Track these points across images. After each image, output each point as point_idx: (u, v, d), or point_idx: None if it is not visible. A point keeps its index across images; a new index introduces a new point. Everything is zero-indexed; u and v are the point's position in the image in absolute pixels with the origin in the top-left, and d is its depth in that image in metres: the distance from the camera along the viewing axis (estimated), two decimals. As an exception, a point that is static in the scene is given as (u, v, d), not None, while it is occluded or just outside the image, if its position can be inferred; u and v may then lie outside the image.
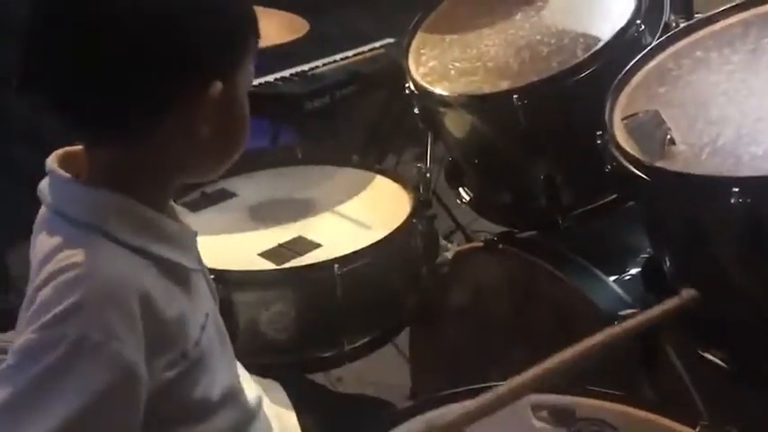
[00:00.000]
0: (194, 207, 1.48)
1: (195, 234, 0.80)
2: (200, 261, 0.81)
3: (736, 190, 0.86)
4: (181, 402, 0.74)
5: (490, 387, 0.91)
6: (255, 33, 0.75)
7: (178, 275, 0.74)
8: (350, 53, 2.16)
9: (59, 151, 0.75)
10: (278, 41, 1.91)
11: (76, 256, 0.66)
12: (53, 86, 0.68)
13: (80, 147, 0.75)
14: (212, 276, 1.16)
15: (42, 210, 0.75)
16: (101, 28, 0.65)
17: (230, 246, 1.38)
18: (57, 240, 0.69)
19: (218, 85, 0.69)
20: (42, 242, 0.70)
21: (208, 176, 0.79)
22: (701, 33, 1.17)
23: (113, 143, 0.71)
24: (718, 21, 1.18)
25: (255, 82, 1.98)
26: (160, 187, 0.75)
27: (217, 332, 0.81)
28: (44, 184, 0.74)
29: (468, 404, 0.68)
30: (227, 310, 1.22)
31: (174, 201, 0.80)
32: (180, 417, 0.75)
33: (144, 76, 0.66)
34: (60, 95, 0.68)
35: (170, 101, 0.68)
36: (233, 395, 0.84)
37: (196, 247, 0.80)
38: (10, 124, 1.97)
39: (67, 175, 0.72)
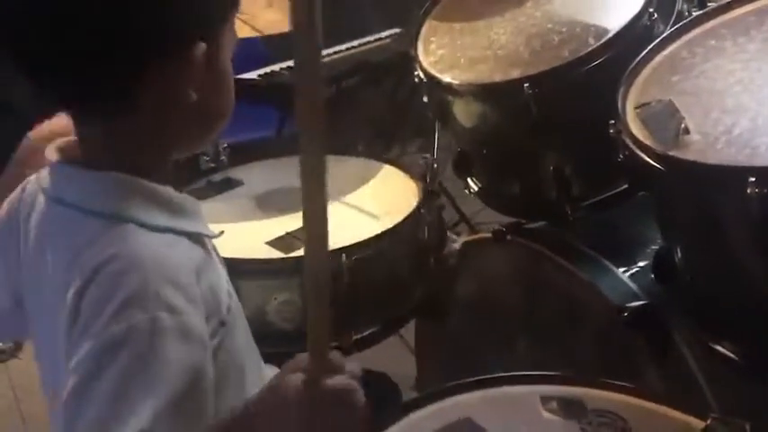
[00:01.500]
0: (200, 196, 1.47)
1: (197, 201, 0.79)
2: (207, 226, 0.81)
3: (753, 180, 0.85)
4: (226, 369, 0.73)
5: (496, 378, 0.92)
6: (230, 8, 0.73)
7: (203, 243, 0.74)
8: (356, 43, 2.15)
9: (53, 144, 0.74)
10: (284, 30, 1.90)
11: (111, 247, 0.65)
12: (30, 51, 0.66)
13: (71, 138, 0.74)
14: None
15: (38, 199, 0.73)
16: None
17: (237, 234, 1.37)
18: (81, 239, 0.67)
19: (201, 47, 0.68)
20: (63, 244, 0.69)
21: (202, 143, 0.79)
22: (714, 22, 1.16)
23: (102, 114, 0.70)
24: (732, 9, 1.16)
25: (261, 71, 1.98)
26: (160, 160, 0.74)
27: (236, 300, 0.81)
28: (44, 175, 0.73)
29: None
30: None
31: (180, 190, 0.79)
32: (225, 385, 0.73)
33: (122, 36, 0.65)
34: (37, 59, 0.66)
35: (151, 61, 0.66)
36: (258, 366, 0.84)
37: (201, 213, 0.79)
38: (16, 118, 1.97)
39: (77, 167, 0.71)
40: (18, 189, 0.79)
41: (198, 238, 0.73)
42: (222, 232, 0.79)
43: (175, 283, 0.64)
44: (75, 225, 0.69)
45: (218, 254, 0.83)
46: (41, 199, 0.74)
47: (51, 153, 0.73)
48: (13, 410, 1.98)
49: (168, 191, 0.73)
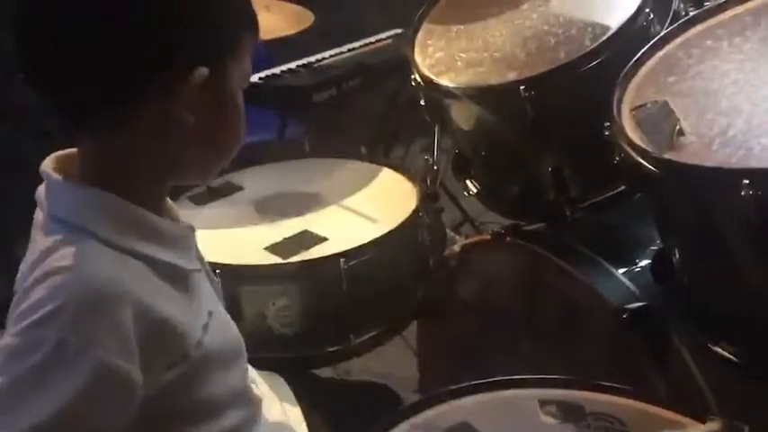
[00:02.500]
0: (200, 200, 1.48)
1: (193, 232, 0.79)
2: (201, 260, 0.80)
3: (747, 182, 0.85)
4: (186, 401, 0.73)
5: (494, 382, 0.92)
6: (251, 29, 0.73)
7: (175, 276, 0.73)
8: (357, 44, 2.15)
9: (54, 155, 0.75)
10: (284, 33, 1.91)
11: (65, 259, 0.66)
12: (30, 64, 0.67)
13: (75, 150, 0.74)
14: (218, 270, 1.17)
15: (38, 213, 0.74)
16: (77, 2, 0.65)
17: (236, 239, 1.37)
18: (48, 242, 0.68)
19: (202, 71, 0.68)
20: (36, 244, 0.70)
21: (203, 175, 0.78)
22: (711, 22, 1.15)
23: (97, 129, 0.70)
24: (728, 9, 1.16)
25: (262, 74, 1.98)
26: (153, 185, 0.74)
27: (225, 331, 0.80)
28: (41, 189, 0.74)
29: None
30: (232, 304, 1.22)
31: (180, 195, 0.79)
32: (186, 416, 0.74)
33: (120, 54, 0.65)
34: (36, 73, 0.67)
35: (147, 81, 0.67)
36: (242, 394, 0.83)
37: (194, 246, 0.79)
38: (22, 121, 1.98)
39: (58, 176, 0.72)
40: None
41: (170, 270, 0.72)
42: (200, 269, 0.79)
43: (104, 313, 0.64)
44: (47, 231, 0.70)
45: (214, 285, 0.83)
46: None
47: (47, 162, 0.74)
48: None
49: (152, 217, 0.73)
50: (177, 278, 0.73)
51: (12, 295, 0.70)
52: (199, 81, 0.68)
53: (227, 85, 0.72)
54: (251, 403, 0.85)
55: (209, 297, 0.80)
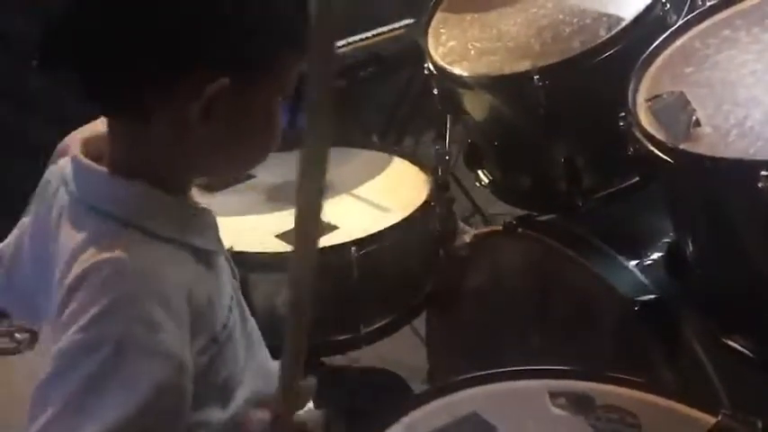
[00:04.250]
0: (211, 188, 1.48)
1: (214, 215, 0.79)
2: (220, 241, 0.81)
3: (765, 173, 0.84)
4: (211, 385, 0.73)
5: (504, 372, 0.91)
6: (293, 47, 0.70)
7: (206, 260, 0.74)
8: (369, 34, 2.14)
9: (81, 137, 0.74)
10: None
11: (108, 251, 0.65)
12: (74, 47, 0.67)
13: (100, 132, 0.74)
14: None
15: (59, 192, 0.74)
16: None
17: (247, 227, 1.37)
18: (84, 235, 0.68)
19: (221, 82, 0.66)
20: (69, 236, 0.69)
21: (229, 174, 0.78)
22: (728, 12, 1.14)
23: (119, 117, 0.70)
24: (747, -1, 1.14)
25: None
26: (182, 176, 0.74)
27: (239, 312, 0.81)
28: (67, 170, 0.73)
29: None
30: (243, 292, 1.22)
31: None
32: (208, 398, 0.73)
33: (142, 48, 0.65)
34: (75, 56, 0.67)
35: (171, 81, 0.66)
36: (262, 374, 0.83)
37: (217, 228, 0.79)
38: (34, 106, 1.98)
39: (100, 168, 0.71)
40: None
41: (203, 254, 0.73)
42: (231, 248, 0.79)
43: (161, 298, 0.64)
44: (85, 220, 0.69)
45: (231, 266, 0.83)
46: (63, 190, 0.75)
47: (75, 145, 0.74)
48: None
49: (183, 204, 0.73)
50: (208, 261, 0.74)
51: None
52: (216, 91, 0.66)
53: (258, 98, 0.70)
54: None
55: (229, 279, 0.80)
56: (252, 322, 0.85)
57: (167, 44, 0.65)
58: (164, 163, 0.71)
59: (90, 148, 0.73)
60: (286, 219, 1.38)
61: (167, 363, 0.63)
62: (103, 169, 0.71)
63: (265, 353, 0.86)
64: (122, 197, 0.69)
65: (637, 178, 1.25)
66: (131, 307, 0.63)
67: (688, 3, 1.21)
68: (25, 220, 0.81)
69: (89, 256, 0.65)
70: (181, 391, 0.65)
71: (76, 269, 0.65)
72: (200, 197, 0.80)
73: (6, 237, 0.84)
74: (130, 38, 0.65)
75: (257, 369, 0.81)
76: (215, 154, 0.72)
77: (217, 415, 0.74)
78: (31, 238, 0.79)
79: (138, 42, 0.65)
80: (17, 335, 2.12)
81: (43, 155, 0.84)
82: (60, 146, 0.85)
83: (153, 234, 0.68)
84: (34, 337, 2.15)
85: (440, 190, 1.40)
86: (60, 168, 0.76)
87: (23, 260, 0.80)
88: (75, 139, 0.77)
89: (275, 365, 0.87)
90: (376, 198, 1.43)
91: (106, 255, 0.65)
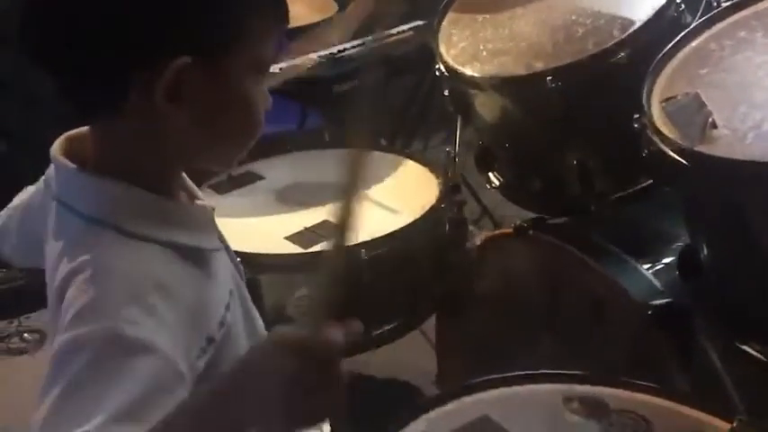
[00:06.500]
0: (221, 190, 1.48)
1: (211, 212, 0.77)
2: (221, 238, 0.79)
3: (783, 176, 0.83)
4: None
5: (517, 376, 0.90)
6: (266, 14, 0.68)
7: (196, 258, 0.72)
8: (379, 35, 2.13)
9: (63, 137, 0.73)
10: (307, 23, 1.90)
11: (88, 252, 0.65)
12: (23, 37, 0.66)
13: (83, 130, 0.73)
14: (238, 259, 1.16)
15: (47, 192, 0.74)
16: None
17: (256, 229, 1.37)
18: (67, 236, 0.68)
19: (180, 62, 0.64)
20: (53, 245, 0.69)
21: (217, 163, 0.76)
22: (744, 12, 1.13)
23: (90, 111, 0.69)
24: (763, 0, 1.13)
25: (283, 64, 1.98)
26: (160, 170, 0.72)
27: (243, 310, 0.80)
28: (51, 173, 0.73)
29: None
30: (252, 293, 1.21)
31: (201, 183, 0.77)
32: None
33: (103, 36, 0.63)
34: (29, 44, 0.66)
35: (130, 66, 0.64)
36: None
37: (213, 226, 0.77)
38: (40, 108, 1.99)
39: (72, 165, 0.70)
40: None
41: (192, 251, 0.71)
42: (221, 248, 0.78)
43: (137, 298, 0.63)
44: (64, 222, 0.69)
45: (234, 263, 0.82)
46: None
47: (56, 146, 0.73)
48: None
49: (167, 202, 0.71)
50: (198, 259, 0.72)
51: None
52: (177, 71, 0.64)
53: (230, 75, 0.67)
54: None
55: (230, 275, 0.79)
56: (259, 322, 0.84)
57: (118, 31, 0.63)
58: (141, 158, 0.69)
59: (72, 147, 0.72)
60: (295, 220, 1.38)
61: (157, 358, 0.62)
62: (72, 166, 0.70)
63: None
64: (95, 195, 0.68)
65: (649, 181, 1.24)
66: (107, 307, 0.62)
67: (703, 4, 1.20)
68: (31, 188, 0.83)
69: (71, 259, 0.65)
70: (171, 392, 0.63)
71: (62, 271, 0.65)
72: (208, 198, 0.79)
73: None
74: (78, 31, 0.63)
75: None
76: (193, 143, 0.70)
77: None
78: (22, 221, 0.82)
79: (87, 33, 0.63)
80: (26, 335, 2.13)
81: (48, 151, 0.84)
82: None
83: (129, 233, 0.67)
84: (43, 337, 2.15)
85: (450, 192, 1.39)
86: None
87: (10, 231, 0.84)
88: (63, 137, 0.76)
89: None
90: (386, 200, 1.42)
91: (83, 257, 0.64)
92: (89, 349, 0.60)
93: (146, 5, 0.64)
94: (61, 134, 0.75)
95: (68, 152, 0.72)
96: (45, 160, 0.74)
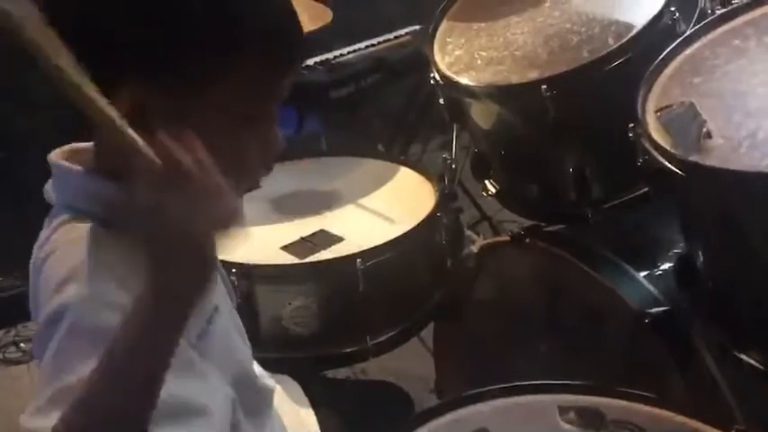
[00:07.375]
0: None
1: None
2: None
3: (777, 186, 0.83)
4: (179, 396, 0.67)
5: (513, 387, 0.90)
6: (263, 49, 0.64)
7: None
8: (375, 41, 2.13)
9: (65, 147, 0.74)
10: (303, 29, 1.89)
11: (66, 236, 0.67)
12: None
13: (88, 143, 0.74)
14: (234, 270, 1.17)
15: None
16: None
17: (252, 239, 1.36)
18: (56, 222, 0.70)
19: (132, 86, 0.61)
20: (44, 230, 0.71)
21: None
22: (739, 21, 1.13)
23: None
24: (756, 7, 1.13)
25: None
26: None
27: (228, 330, 0.79)
28: (49, 184, 0.74)
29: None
30: (248, 304, 1.21)
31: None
32: (175, 412, 0.66)
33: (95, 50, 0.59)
34: None
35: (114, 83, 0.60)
36: (246, 385, 0.81)
37: None
38: (40, 114, 1.99)
39: (66, 163, 0.71)
40: None
41: None
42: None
43: (119, 279, 0.63)
44: (51, 216, 0.71)
45: (224, 280, 0.82)
46: None
47: (55, 152, 0.74)
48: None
49: None
50: None
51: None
52: (131, 95, 0.61)
53: (206, 117, 0.63)
54: (260, 392, 0.84)
55: (217, 290, 0.79)
56: (241, 350, 0.83)
57: (86, 43, 0.58)
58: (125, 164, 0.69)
59: (74, 158, 0.73)
60: (291, 230, 1.38)
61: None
62: (67, 164, 0.71)
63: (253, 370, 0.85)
64: (87, 191, 0.70)
65: (646, 189, 1.23)
66: (86, 275, 0.64)
67: (697, 12, 1.20)
68: None
69: (51, 242, 0.68)
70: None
71: (38, 255, 0.68)
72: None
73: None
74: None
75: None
76: None
77: None
78: None
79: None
80: (22, 345, 2.13)
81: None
82: None
83: (108, 224, 0.68)
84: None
85: (447, 200, 1.39)
86: None
87: None
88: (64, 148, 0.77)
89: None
90: (382, 208, 1.42)
91: (72, 234, 0.67)
92: (69, 315, 0.62)
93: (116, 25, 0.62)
94: (62, 140, 0.76)
95: (65, 158, 0.73)
96: (45, 166, 0.75)
